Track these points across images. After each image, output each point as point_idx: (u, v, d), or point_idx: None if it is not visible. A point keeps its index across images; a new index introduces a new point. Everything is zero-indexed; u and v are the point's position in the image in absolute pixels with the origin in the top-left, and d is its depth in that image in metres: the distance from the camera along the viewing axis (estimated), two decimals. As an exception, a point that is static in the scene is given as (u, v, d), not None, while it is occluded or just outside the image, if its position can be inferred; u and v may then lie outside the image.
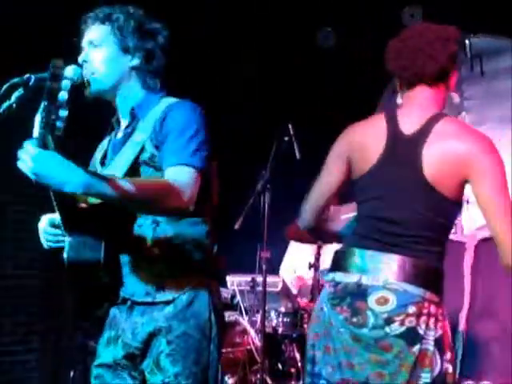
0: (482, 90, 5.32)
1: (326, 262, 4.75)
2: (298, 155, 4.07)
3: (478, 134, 2.16)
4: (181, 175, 1.96)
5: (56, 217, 2.05)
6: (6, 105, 1.95)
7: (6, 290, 5.22)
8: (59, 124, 1.75)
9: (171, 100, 2.16)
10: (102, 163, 2.25)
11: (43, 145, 1.76)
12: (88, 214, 1.94)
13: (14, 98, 1.96)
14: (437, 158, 2.09)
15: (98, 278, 1.98)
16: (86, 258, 1.95)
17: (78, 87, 2.14)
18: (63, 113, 1.76)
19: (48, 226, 2.14)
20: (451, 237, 5.61)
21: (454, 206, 2.14)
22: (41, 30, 4.62)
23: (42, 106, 1.74)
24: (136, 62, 2.18)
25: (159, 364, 2.03)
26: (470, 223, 5.35)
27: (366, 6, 5.25)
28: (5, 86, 1.95)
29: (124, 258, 2.06)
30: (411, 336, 2.01)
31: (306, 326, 4.36)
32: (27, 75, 1.98)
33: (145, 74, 2.19)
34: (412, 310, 2.02)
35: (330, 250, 4.90)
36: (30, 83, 1.98)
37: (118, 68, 2.17)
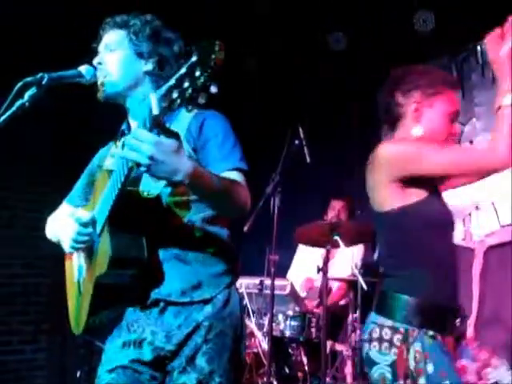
0: (492, 97, 5.28)
1: (333, 266, 4.76)
2: (308, 159, 4.08)
3: None
4: (239, 178, 2.04)
5: (83, 215, 2.05)
6: (19, 103, 1.96)
7: (15, 288, 5.25)
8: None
9: (194, 109, 2.15)
10: None
11: (157, 130, 1.73)
12: (136, 211, 1.98)
13: (27, 96, 1.98)
14: None
15: (134, 277, 2.01)
16: (129, 256, 1.97)
17: (91, 88, 2.16)
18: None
19: (79, 226, 2.07)
20: (460, 243, 5.64)
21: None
22: (42, 29, 4.65)
23: (162, 91, 1.68)
24: (149, 66, 2.20)
25: (194, 362, 2.03)
26: (479, 230, 5.33)
27: (378, 10, 5.26)
28: (18, 85, 1.96)
29: (161, 258, 2.08)
30: (368, 361, 2.09)
31: (313, 330, 4.35)
32: (40, 74, 2.00)
33: (158, 79, 2.20)
34: (366, 335, 2.11)
35: (339, 254, 4.91)
36: (43, 82, 1.99)
37: (132, 72, 2.19)
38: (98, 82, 2.16)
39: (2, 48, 4.46)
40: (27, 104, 1.97)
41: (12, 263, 5.20)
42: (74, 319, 2.27)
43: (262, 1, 5.17)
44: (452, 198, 5.33)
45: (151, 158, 1.70)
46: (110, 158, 2.30)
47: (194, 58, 1.60)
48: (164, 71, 2.20)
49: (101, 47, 2.23)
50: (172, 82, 1.65)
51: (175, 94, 1.63)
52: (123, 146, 1.84)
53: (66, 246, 2.16)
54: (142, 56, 2.19)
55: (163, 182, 1.98)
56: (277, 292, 4.18)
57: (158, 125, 1.74)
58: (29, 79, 1.98)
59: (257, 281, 4.52)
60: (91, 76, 2.16)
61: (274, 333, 4.19)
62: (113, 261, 1.94)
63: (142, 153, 1.70)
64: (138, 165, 1.73)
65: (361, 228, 4.23)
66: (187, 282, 2.07)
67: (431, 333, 2.06)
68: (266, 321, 4.34)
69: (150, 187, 2.04)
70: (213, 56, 1.58)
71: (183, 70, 1.62)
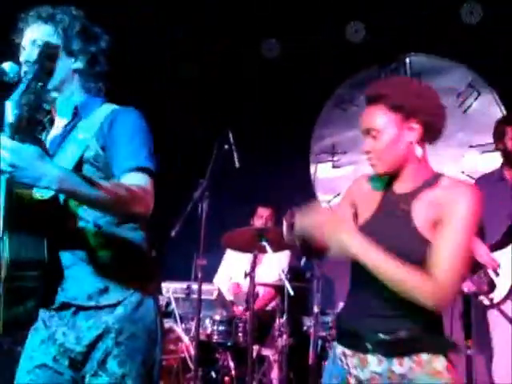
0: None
1: (260, 271, 4.78)
2: (237, 163, 4.08)
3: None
4: (140, 180, 1.98)
5: None
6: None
7: None
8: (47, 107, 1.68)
9: (114, 106, 2.16)
10: None
11: (19, 137, 1.70)
12: (32, 212, 1.92)
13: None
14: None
15: (36, 279, 1.94)
16: (28, 258, 1.92)
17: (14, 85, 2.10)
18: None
19: None
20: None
21: None
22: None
23: (20, 92, 1.67)
24: (79, 64, 2.16)
25: (105, 366, 1.99)
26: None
27: (312, 20, 5.33)
28: None
29: (65, 261, 2.03)
30: None
31: (240, 334, 4.36)
32: None
33: (87, 77, 2.18)
34: None
35: (266, 259, 4.94)
36: None
37: (61, 69, 2.12)
38: (19, 78, 2.07)
39: None
40: None
41: None
42: None
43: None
44: None
45: (12, 165, 1.70)
46: None
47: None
48: (93, 69, 2.17)
49: (25, 41, 2.15)
50: (22, 87, 1.68)
51: (31, 97, 1.65)
52: None
53: None
54: (72, 54, 2.15)
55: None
56: (204, 297, 4.16)
57: (18, 132, 1.72)
58: None
59: (184, 285, 4.50)
60: (14, 74, 2.09)
61: (201, 337, 4.17)
62: (12, 264, 1.89)
63: (3, 160, 1.69)
64: (2, 171, 1.72)
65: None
66: (93, 286, 2.03)
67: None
68: (193, 325, 4.32)
69: (42, 189, 1.96)
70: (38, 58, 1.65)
71: (30, 75, 1.66)
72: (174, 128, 5.28)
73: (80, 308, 2.04)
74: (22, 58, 2.13)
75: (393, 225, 2.11)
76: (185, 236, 4.03)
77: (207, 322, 4.38)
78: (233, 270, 5.06)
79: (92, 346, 2.02)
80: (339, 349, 2.17)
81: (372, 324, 2.09)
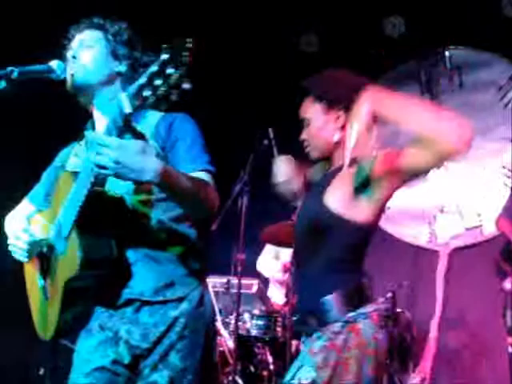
0: (460, 102, 5.39)
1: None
2: (277, 159, 4.09)
3: None
4: (206, 179, 2.05)
5: (30, 227, 2.14)
6: (-13, 96, 1.95)
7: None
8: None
9: (160, 113, 2.20)
10: None
11: (120, 132, 1.73)
12: (103, 211, 1.98)
13: (-4, 89, 1.96)
14: None
15: (107, 277, 2.01)
16: (99, 256, 1.98)
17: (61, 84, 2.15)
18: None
19: (24, 233, 2.15)
20: (425, 245, 5.72)
21: None
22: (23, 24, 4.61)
23: (133, 89, 1.69)
24: (123, 68, 2.21)
25: (167, 359, 2.03)
26: (444, 232, 5.42)
27: (348, 14, 5.32)
28: (-13, 79, 1.94)
29: (132, 258, 2.07)
30: None
31: (279, 329, 4.37)
32: (10, 68, 1.98)
33: (129, 81, 2.21)
34: None
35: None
36: (13, 76, 1.98)
37: (105, 68, 2.19)
38: (69, 73, 2.14)
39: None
40: (-4, 97, 1.96)
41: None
42: (40, 324, 2.24)
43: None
44: (416, 199, 5.44)
45: (116, 162, 1.73)
46: (74, 157, 2.29)
47: (164, 56, 1.61)
48: (136, 73, 2.19)
49: (74, 43, 2.21)
50: (143, 79, 1.65)
51: (147, 92, 1.64)
52: (87, 149, 1.87)
53: (20, 258, 2.21)
54: (117, 57, 2.20)
55: (129, 182, 1.97)
56: (243, 291, 4.19)
57: (127, 124, 1.75)
58: (-1, 72, 1.97)
59: (224, 279, 4.53)
60: (61, 71, 2.14)
61: (240, 332, 4.19)
62: (83, 262, 1.93)
63: (108, 157, 1.72)
64: (104, 169, 1.75)
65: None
66: (160, 280, 2.07)
67: None
68: (232, 319, 4.35)
69: (116, 187, 2.04)
70: (185, 53, 1.59)
71: (154, 68, 1.63)
72: (216, 123, 5.31)
73: (144, 303, 2.06)
74: (68, 54, 2.19)
75: (310, 202, 2.29)
76: (225, 230, 4.06)
77: (246, 316, 4.40)
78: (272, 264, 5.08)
79: (158, 342, 2.04)
80: None
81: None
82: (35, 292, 2.27)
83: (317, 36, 5.64)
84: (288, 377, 2.07)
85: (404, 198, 5.17)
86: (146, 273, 2.06)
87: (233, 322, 4.24)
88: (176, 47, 1.61)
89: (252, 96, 5.67)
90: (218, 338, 4.28)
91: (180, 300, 2.07)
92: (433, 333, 5.08)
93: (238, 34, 5.46)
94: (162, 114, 2.17)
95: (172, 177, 1.86)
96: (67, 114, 2.26)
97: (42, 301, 2.22)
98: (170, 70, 1.60)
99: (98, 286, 2.04)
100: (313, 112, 2.33)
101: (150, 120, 2.15)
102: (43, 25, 4.32)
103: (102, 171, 1.77)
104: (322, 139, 2.31)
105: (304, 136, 2.34)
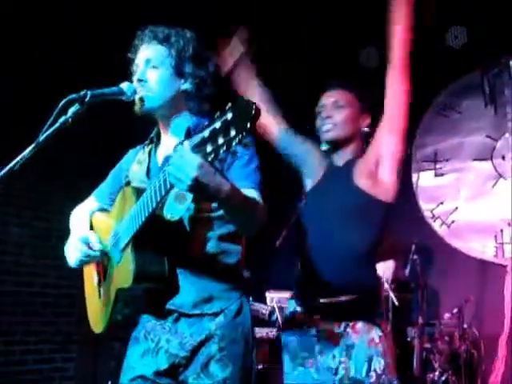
0: (526, 112, 5.28)
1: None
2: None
3: None
4: (259, 198, 2.11)
5: (88, 235, 2.25)
6: (62, 119, 2.00)
7: (47, 298, 5.32)
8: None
9: None
10: (148, 176, 2.30)
11: (201, 152, 1.75)
12: (159, 231, 2.06)
13: (70, 112, 2.01)
14: None
15: (158, 290, 2.11)
16: (152, 272, 2.07)
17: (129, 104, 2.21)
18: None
19: (83, 245, 2.25)
20: (492, 259, 5.60)
21: None
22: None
23: (195, 141, 1.73)
24: (188, 86, 2.25)
25: (208, 369, 2.09)
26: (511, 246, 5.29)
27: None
28: (62, 102, 2.00)
29: (178, 272, 2.13)
30: None
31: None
32: (84, 91, 2.04)
33: (194, 98, 2.27)
34: None
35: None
36: (86, 99, 2.03)
37: (172, 90, 2.24)
38: (137, 96, 2.20)
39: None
40: (70, 120, 2.01)
41: (47, 274, 5.27)
42: (94, 320, 2.39)
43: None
44: (482, 213, 5.33)
45: (195, 179, 1.75)
46: (137, 164, 2.35)
47: (229, 116, 1.64)
48: (201, 91, 2.26)
49: (140, 60, 2.26)
50: (206, 133, 1.69)
51: (209, 148, 1.68)
52: (167, 162, 1.92)
53: (71, 263, 2.33)
54: (183, 75, 2.24)
55: (186, 206, 2.04)
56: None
57: (202, 151, 1.76)
58: (72, 96, 2.02)
59: (288, 295, 4.52)
60: (132, 93, 2.20)
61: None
62: (137, 276, 2.03)
63: (187, 174, 1.75)
64: (181, 183, 1.79)
65: (391, 244, 4.22)
66: (199, 295, 2.14)
67: None
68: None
69: (174, 210, 2.09)
70: (249, 119, 1.62)
71: (218, 125, 1.66)
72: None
73: (182, 315, 2.14)
74: (135, 76, 2.24)
75: (335, 189, 2.59)
76: (289, 246, 4.06)
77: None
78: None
79: (195, 351, 2.12)
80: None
81: (316, 287, 2.48)
82: (91, 289, 2.42)
83: (377, 49, 5.60)
84: (362, 371, 2.34)
85: (470, 212, 5.09)
86: (187, 286, 2.13)
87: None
88: (240, 109, 1.64)
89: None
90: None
91: (216, 314, 2.14)
92: (501, 351, 4.95)
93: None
94: None
95: (236, 197, 1.91)
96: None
97: (96, 299, 2.36)
98: (232, 132, 1.63)
99: (145, 296, 2.14)
100: (350, 102, 2.65)
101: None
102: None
103: (179, 186, 1.80)
104: (349, 128, 2.62)
105: (334, 115, 2.62)
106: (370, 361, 2.32)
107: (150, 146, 2.36)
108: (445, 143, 5.67)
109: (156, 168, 2.29)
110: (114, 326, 2.24)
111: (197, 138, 1.71)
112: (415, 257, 4.55)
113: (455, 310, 4.54)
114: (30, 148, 1.98)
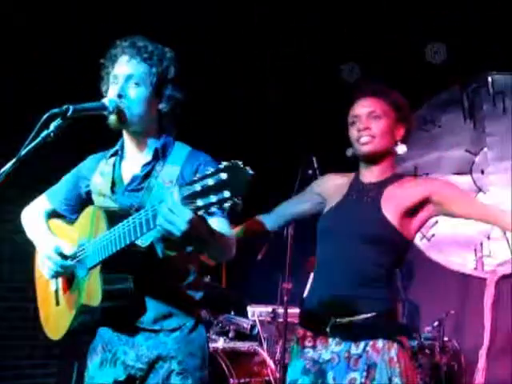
0: (503, 127, 5.35)
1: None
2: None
3: None
4: (227, 227, 2.18)
5: (62, 245, 2.25)
6: (44, 133, 2.00)
7: (27, 313, 5.26)
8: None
9: (186, 146, 2.33)
10: (113, 191, 2.31)
11: (191, 204, 1.77)
12: (126, 257, 2.11)
13: (52, 127, 2.01)
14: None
15: (125, 306, 2.16)
16: (118, 290, 2.12)
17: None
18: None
19: (57, 255, 2.26)
20: (472, 272, 5.63)
21: None
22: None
23: (185, 192, 1.76)
24: (164, 106, 2.29)
25: (169, 382, 2.17)
26: (491, 259, 5.33)
27: (390, 41, 5.32)
28: (44, 116, 2.00)
29: (139, 289, 2.19)
30: None
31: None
32: (66, 106, 2.04)
33: (168, 119, 2.33)
34: None
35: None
36: (68, 114, 2.04)
37: (150, 109, 2.27)
38: (116, 111, 2.20)
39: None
40: (52, 134, 2.00)
41: (26, 287, 5.21)
42: (51, 326, 2.41)
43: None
44: (462, 226, 5.38)
45: (185, 232, 1.85)
46: (100, 176, 2.36)
47: (223, 176, 1.68)
48: (175, 113, 2.32)
49: (120, 73, 2.25)
50: (197, 187, 1.72)
51: (200, 202, 1.72)
52: (136, 183, 2.12)
53: (46, 274, 2.34)
54: (161, 96, 2.28)
55: (155, 232, 2.05)
56: (290, 320, 4.18)
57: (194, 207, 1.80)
58: (55, 110, 2.02)
59: (269, 309, 4.53)
60: (113, 108, 2.20)
61: (286, 361, 4.18)
62: (105, 297, 2.09)
63: (177, 228, 1.84)
64: (170, 234, 1.88)
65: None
66: (159, 311, 2.21)
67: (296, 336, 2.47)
68: (278, 349, 4.34)
69: (144, 237, 2.10)
70: (245, 185, 1.68)
71: (210, 182, 1.69)
72: (259, 153, 5.35)
73: (141, 329, 2.21)
74: (113, 90, 2.24)
75: (361, 210, 2.43)
76: (271, 260, 4.08)
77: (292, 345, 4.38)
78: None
79: (152, 365, 2.19)
80: (301, 331, 2.45)
81: (331, 307, 2.33)
82: (44, 294, 2.46)
83: (357, 65, 5.64)
84: None
85: (449, 226, 5.12)
86: (148, 303, 2.20)
87: (279, 351, 4.23)
88: (236, 172, 1.68)
89: (295, 124, 5.71)
90: (264, 367, 4.28)
91: (174, 330, 2.21)
92: (481, 363, 4.98)
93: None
94: (187, 151, 2.29)
95: (210, 239, 2.01)
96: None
97: (53, 304, 2.39)
98: (226, 193, 1.67)
99: (105, 310, 2.16)
100: (386, 112, 2.48)
101: (177, 158, 2.26)
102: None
103: (168, 235, 1.90)
104: (387, 140, 2.46)
105: (371, 127, 2.45)
106: (390, 382, 2.23)
107: (113, 158, 2.37)
108: (425, 157, 5.71)
109: (121, 184, 2.31)
110: (72, 335, 2.29)
111: (187, 190, 1.75)
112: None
113: (436, 323, 4.57)
114: (11, 162, 1.98)
